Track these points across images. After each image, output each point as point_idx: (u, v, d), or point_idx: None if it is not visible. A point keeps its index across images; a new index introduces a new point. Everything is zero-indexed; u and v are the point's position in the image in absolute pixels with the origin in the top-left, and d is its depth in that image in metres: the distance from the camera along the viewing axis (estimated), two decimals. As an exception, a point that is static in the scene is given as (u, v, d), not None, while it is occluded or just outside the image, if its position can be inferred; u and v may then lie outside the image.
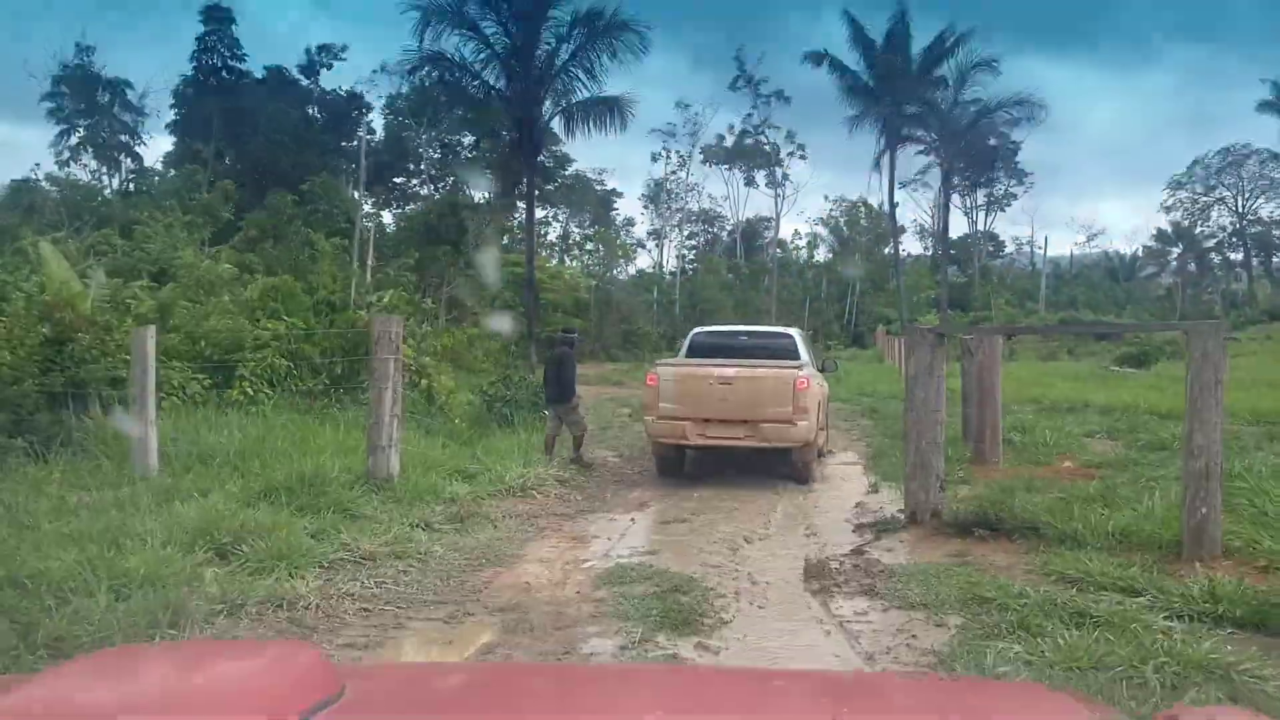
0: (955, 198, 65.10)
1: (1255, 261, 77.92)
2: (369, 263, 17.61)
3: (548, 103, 28.06)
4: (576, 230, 50.98)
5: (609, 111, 27.36)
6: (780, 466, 12.12)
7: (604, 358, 44.27)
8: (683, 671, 3.47)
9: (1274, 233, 76.32)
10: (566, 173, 49.16)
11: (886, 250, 59.97)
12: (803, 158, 51.21)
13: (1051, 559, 6.99)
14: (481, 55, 26.35)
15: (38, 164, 33.71)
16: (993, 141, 51.86)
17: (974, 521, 8.06)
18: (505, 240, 47.11)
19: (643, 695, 1.75)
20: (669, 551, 7.83)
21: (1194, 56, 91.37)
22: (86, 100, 28.63)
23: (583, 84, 26.82)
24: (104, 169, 29.30)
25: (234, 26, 35.88)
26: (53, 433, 10.20)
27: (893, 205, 43.91)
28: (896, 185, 44.39)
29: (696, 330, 14.53)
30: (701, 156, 52.98)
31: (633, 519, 9.36)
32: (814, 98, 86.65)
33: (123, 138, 30.37)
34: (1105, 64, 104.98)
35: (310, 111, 38.74)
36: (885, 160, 40.65)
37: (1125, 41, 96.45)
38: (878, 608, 6.22)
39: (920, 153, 54.35)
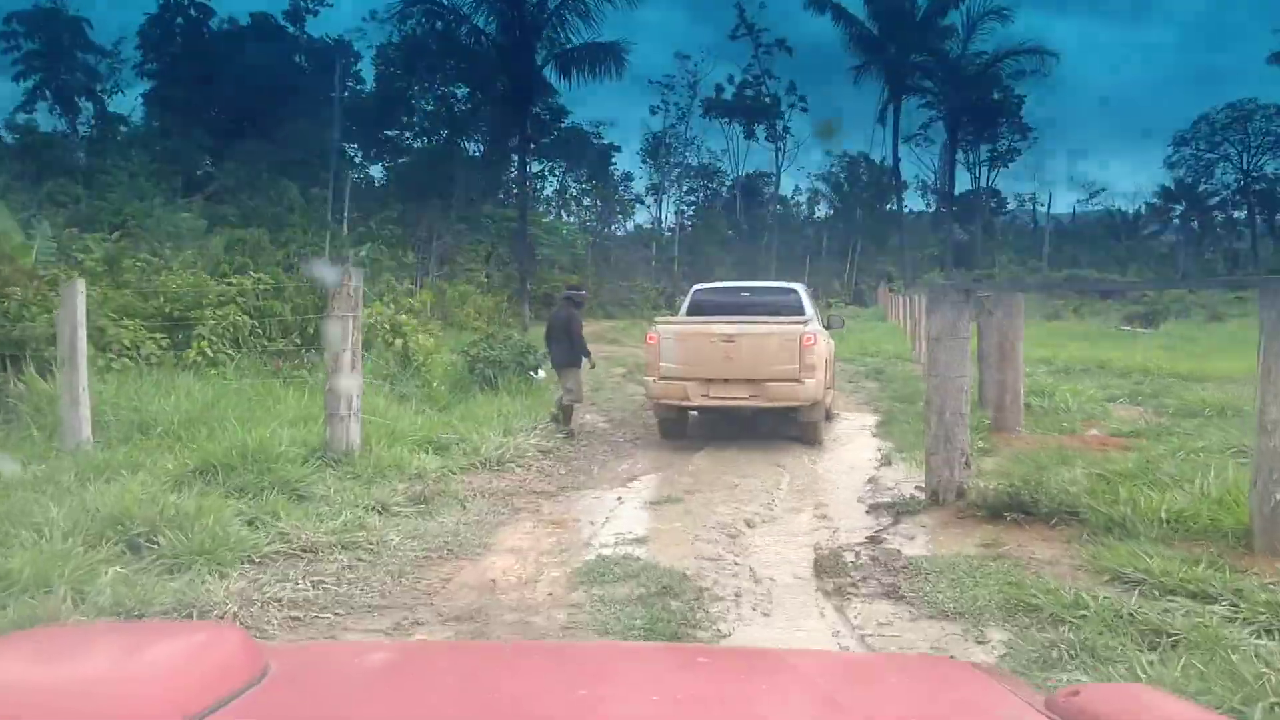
0: (958, 153, 63.79)
1: (1259, 219, 76.55)
2: (347, 215, 16.41)
3: (541, 50, 26.75)
4: (573, 185, 49.55)
5: (604, 57, 26.07)
6: (786, 428, 11.37)
7: (601, 315, 43.13)
8: (618, 649, 3.24)
9: (1278, 189, 74.90)
10: (563, 125, 47.67)
11: (887, 207, 58.70)
12: (804, 110, 49.69)
13: (1101, 552, 5.96)
14: (472, -1, 25.00)
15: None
16: (997, 95, 50.37)
17: (1006, 504, 7.03)
18: (500, 195, 45.86)
19: (575, 671, 1.69)
20: (659, 540, 6.82)
21: (1199, 9, 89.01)
22: (47, 41, 27.04)
23: (577, 29, 25.50)
24: (67, 116, 27.85)
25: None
26: (-17, 398, 9.19)
27: (896, 158, 42.65)
28: (899, 140, 43.15)
29: (697, 287, 13.62)
30: (701, 109, 51.50)
31: (620, 498, 8.33)
32: (816, 54, 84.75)
33: (85, 81, 28.77)
34: (1108, 17, 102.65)
35: (297, 60, 37.24)
36: (889, 113, 39.29)
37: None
38: (904, 616, 5.20)
39: (924, 105, 52.91)
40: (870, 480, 8.95)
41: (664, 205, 54.16)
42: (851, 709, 1.42)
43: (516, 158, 48.03)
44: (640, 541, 6.67)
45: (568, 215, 48.88)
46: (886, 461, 9.89)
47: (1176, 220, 79.15)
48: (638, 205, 53.08)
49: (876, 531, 7.05)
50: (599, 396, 15.12)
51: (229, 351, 11.74)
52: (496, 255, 35.82)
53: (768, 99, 48.05)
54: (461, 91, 44.50)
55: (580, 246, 44.23)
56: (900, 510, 7.53)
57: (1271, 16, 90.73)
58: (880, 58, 37.88)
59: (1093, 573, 5.81)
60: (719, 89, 48.87)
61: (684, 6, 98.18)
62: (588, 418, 12.96)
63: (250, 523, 6.28)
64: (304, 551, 5.96)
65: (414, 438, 9.29)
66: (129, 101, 33.36)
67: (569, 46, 26.10)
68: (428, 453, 9.10)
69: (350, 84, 41.45)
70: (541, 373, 14.55)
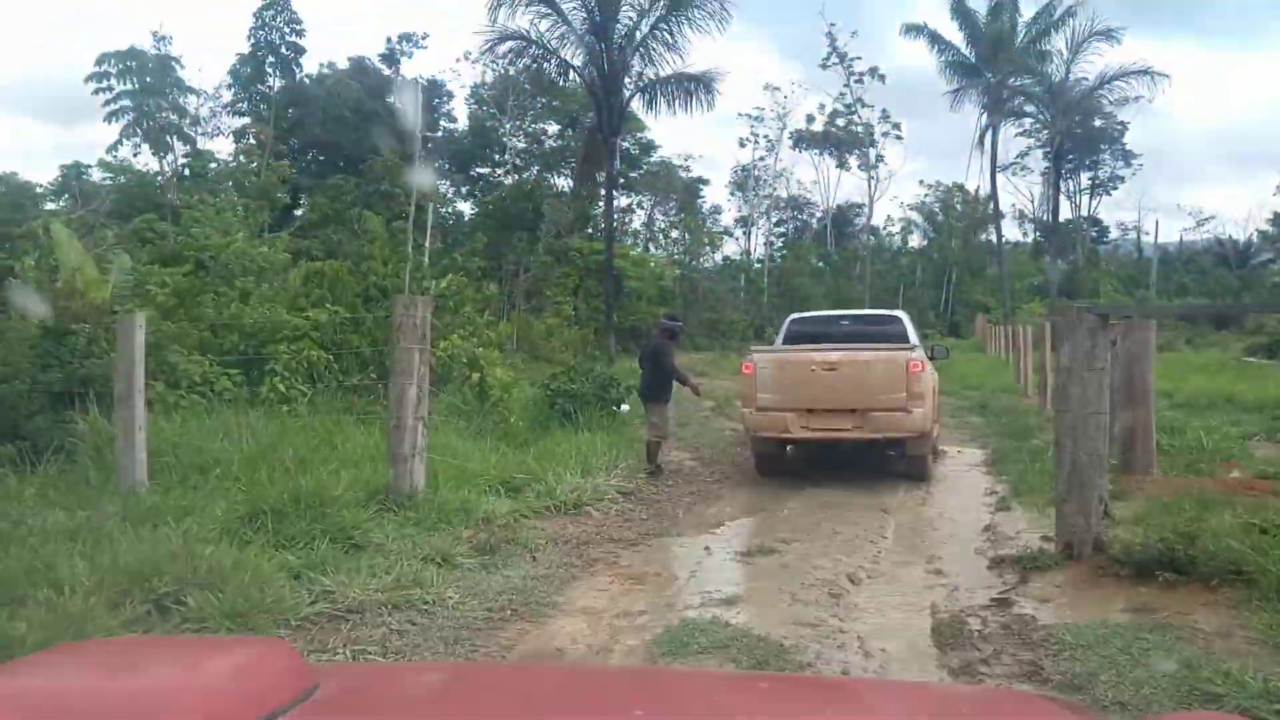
0: (1060, 181, 61.61)
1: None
2: (428, 246, 15.98)
3: (628, 82, 26.26)
4: (661, 217, 49.03)
5: (694, 88, 25.44)
6: (890, 464, 10.59)
7: (690, 346, 42.35)
8: (668, 674, 3.20)
9: (1400, 214, 70.76)
10: (651, 159, 47.27)
11: (982, 236, 56.83)
12: (898, 138, 48.40)
13: (1281, 622, 4.94)
14: (559, 32, 24.64)
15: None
16: (1099, 122, 48.43)
17: (1156, 560, 5.99)
18: (589, 229, 45.57)
19: (627, 696, 1.62)
20: (752, 599, 5.96)
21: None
22: (139, 80, 27.48)
23: (664, 59, 24.93)
24: (157, 154, 28.29)
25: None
26: (49, 438, 8.79)
27: (994, 184, 41.00)
28: (997, 168, 41.57)
29: (793, 316, 12.96)
30: (791, 141, 50.58)
31: (708, 547, 7.48)
32: (909, 84, 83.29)
33: (177, 121, 29.19)
34: (1212, 43, 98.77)
35: (389, 100, 37.55)
36: (987, 140, 37.89)
37: (1233, 20, 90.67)
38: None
39: (1021, 134, 51.14)
40: (987, 528, 7.94)
41: (753, 237, 53.36)
42: None
43: (604, 191, 48.06)
44: (730, 602, 5.80)
45: (655, 248, 48.27)
46: (1003, 505, 8.84)
47: (1290, 246, 75.36)
48: (726, 237, 52.30)
49: (1003, 592, 6.08)
50: (686, 432, 14.31)
51: (302, 388, 11.26)
52: (584, 288, 35.33)
53: (860, 128, 46.90)
54: (552, 128, 44.61)
55: (668, 278, 43.59)
56: (1028, 565, 6.52)
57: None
58: (977, 82, 36.55)
59: (1273, 648, 4.79)
60: (809, 119, 47.92)
61: (774, 42, 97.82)
62: (674, 455, 12.16)
63: (296, 577, 5.62)
64: (350, 613, 5.26)
65: (485, 478, 8.60)
66: (223, 141, 33.92)
67: (657, 79, 25.43)
68: (499, 494, 8.41)
69: (443, 122, 41.77)
70: (626, 406, 13.90)
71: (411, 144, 34.55)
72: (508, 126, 44.56)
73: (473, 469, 8.67)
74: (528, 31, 24.64)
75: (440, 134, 41.43)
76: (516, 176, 45.13)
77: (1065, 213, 63.48)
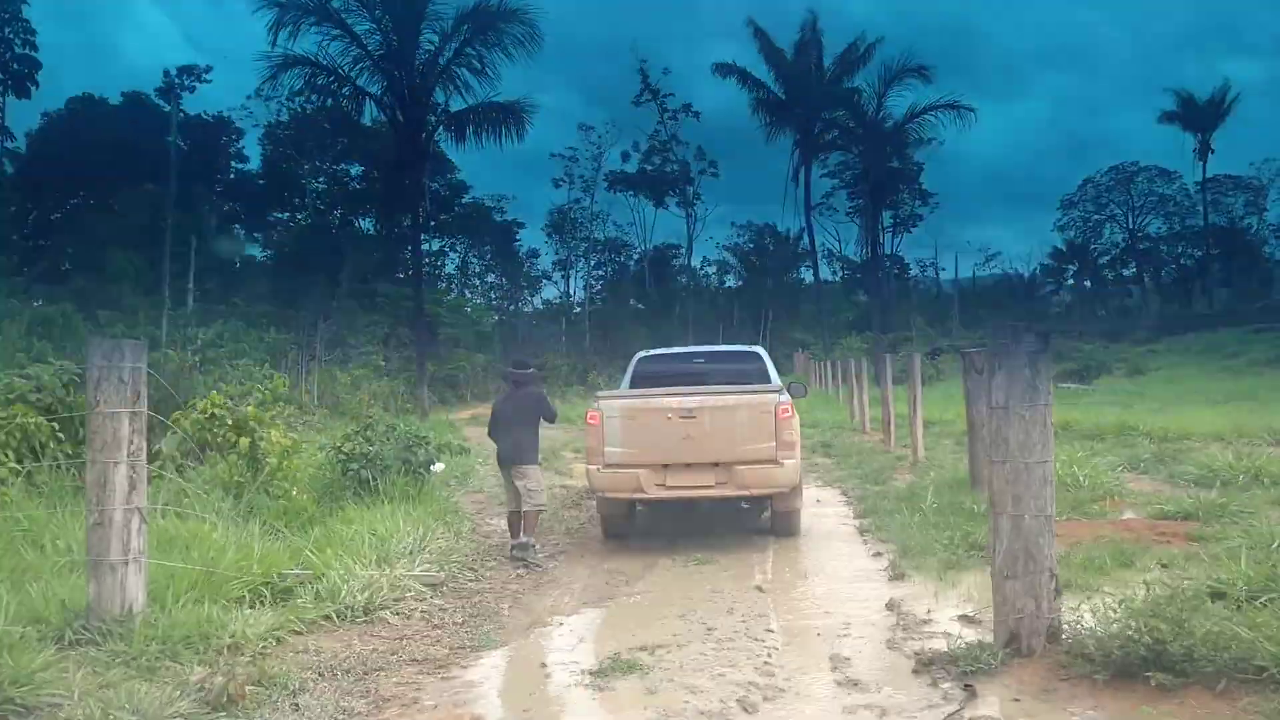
0: (861, 220, 63.19)
1: (1146, 277, 77.81)
2: (191, 289, 13.46)
3: (434, 116, 24.20)
4: (476, 261, 46.85)
5: (503, 119, 23.60)
6: (748, 519, 9.54)
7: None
8: None
9: (1161, 248, 76.33)
10: (463, 201, 45.17)
11: (797, 276, 57.34)
12: (714, 175, 48.02)
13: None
14: (352, 55, 22.35)
15: None
16: (897, 163, 49.58)
17: (1142, 656, 4.46)
18: (399, 274, 42.92)
19: None
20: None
21: (1063, 84, 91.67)
22: None
23: (471, 87, 23.02)
24: None
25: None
26: None
27: (809, 225, 40.93)
28: (809, 206, 41.54)
29: (641, 355, 11.23)
30: (606, 183, 49.49)
31: (545, 664, 5.52)
32: (724, 126, 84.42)
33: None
34: (983, 91, 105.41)
35: (169, 138, 34.07)
36: (801, 177, 37.71)
37: (998, 72, 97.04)
38: None
39: (827, 174, 51.84)
40: (890, 607, 6.31)
41: (572, 280, 51.87)
42: None
43: (410, 230, 45.57)
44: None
45: (471, 293, 46.06)
46: (896, 572, 7.26)
47: (1070, 280, 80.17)
48: (545, 281, 50.63)
49: (949, 717, 4.40)
50: (506, 493, 12.29)
51: (14, 465, 8.65)
52: (396, 337, 32.80)
53: (675, 164, 46.23)
54: (356, 169, 41.93)
55: (486, 324, 41.48)
56: (966, 668, 4.87)
57: (1125, 93, 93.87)
58: (789, 120, 36.33)
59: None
60: (624, 156, 46.91)
61: (584, 87, 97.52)
62: (495, 523, 10.17)
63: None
64: None
65: (243, 580, 6.37)
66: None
67: (464, 108, 23.51)
68: (261, 603, 6.21)
69: (234, 163, 38.47)
70: (439, 465, 11.83)
71: (192, 185, 31.40)
72: (306, 168, 41.65)
73: (225, 570, 6.41)
74: (316, 56, 22.21)
75: (231, 175, 38.12)
76: (319, 220, 42.20)
77: (870, 250, 65.23)
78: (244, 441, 9.24)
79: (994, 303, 70.89)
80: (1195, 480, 10.54)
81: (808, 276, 56.98)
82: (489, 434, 9.36)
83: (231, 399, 10.09)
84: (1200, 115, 55.97)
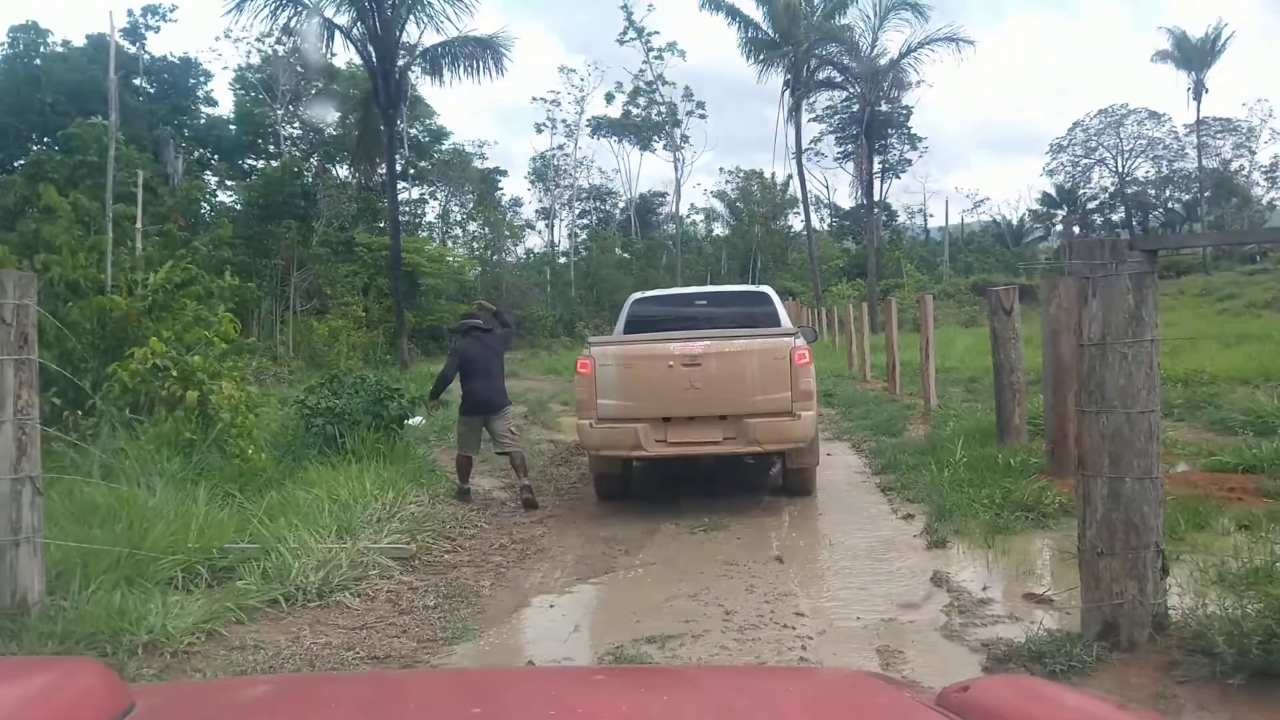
0: (851, 165, 61.92)
1: (1135, 222, 76.92)
2: (139, 228, 12.28)
3: (407, 50, 22.80)
4: (458, 209, 45.37)
5: (481, 53, 22.25)
6: (758, 476, 8.76)
7: (494, 346, 39.15)
8: (505, 674, 2.95)
9: (1149, 192, 75.34)
10: (443, 147, 43.63)
11: (785, 223, 56.09)
12: (702, 116, 46.49)
13: None
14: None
15: None
16: (885, 106, 48.19)
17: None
18: (382, 223, 41.51)
19: (466, 697, 1.48)
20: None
21: (1048, 27, 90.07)
22: None
23: (448, 20, 21.64)
24: None
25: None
26: None
27: (800, 163, 39.65)
28: (798, 151, 40.23)
29: (636, 297, 10.00)
30: (590, 128, 47.97)
31: (532, 662, 4.54)
32: (710, 76, 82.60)
33: None
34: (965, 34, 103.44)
35: (137, 82, 32.47)
36: (795, 120, 36.43)
37: (979, 13, 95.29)
38: None
39: (819, 117, 50.46)
40: (939, 583, 5.34)
41: (556, 229, 50.51)
42: (747, 717, 1.33)
43: (386, 174, 44.01)
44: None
45: (453, 243, 44.69)
46: (934, 539, 6.30)
47: (1059, 225, 79.20)
48: (529, 230, 49.22)
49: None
50: (488, 451, 11.30)
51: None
52: (375, 287, 31.55)
53: (661, 105, 44.73)
54: (332, 115, 40.35)
55: (468, 274, 40.20)
56: (1053, 665, 3.92)
57: (1110, 33, 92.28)
58: (780, 59, 34.94)
59: None
60: (609, 97, 45.30)
61: (563, 33, 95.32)
62: (480, 483, 9.18)
63: None
64: None
65: (174, 559, 5.36)
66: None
67: (439, 42, 22.14)
68: (194, 586, 5.21)
69: (202, 107, 36.81)
70: (417, 419, 10.80)
71: (155, 127, 29.91)
72: (280, 113, 40.02)
73: (154, 546, 5.39)
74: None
75: (201, 120, 36.48)
76: (296, 168, 40.69)
77: (860, 197, 64.02)
78: (191, 395, 8.17)
79: (981, 248, 70.03)
80: (1240, 427, 9.64)
81: (796, 224, 55.87)
82: (442, 383, 8.92)
83: (187, 348, 9.01)
84: (1194, 54, 54.57)
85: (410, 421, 10.82)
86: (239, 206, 23.26)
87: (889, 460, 9.12)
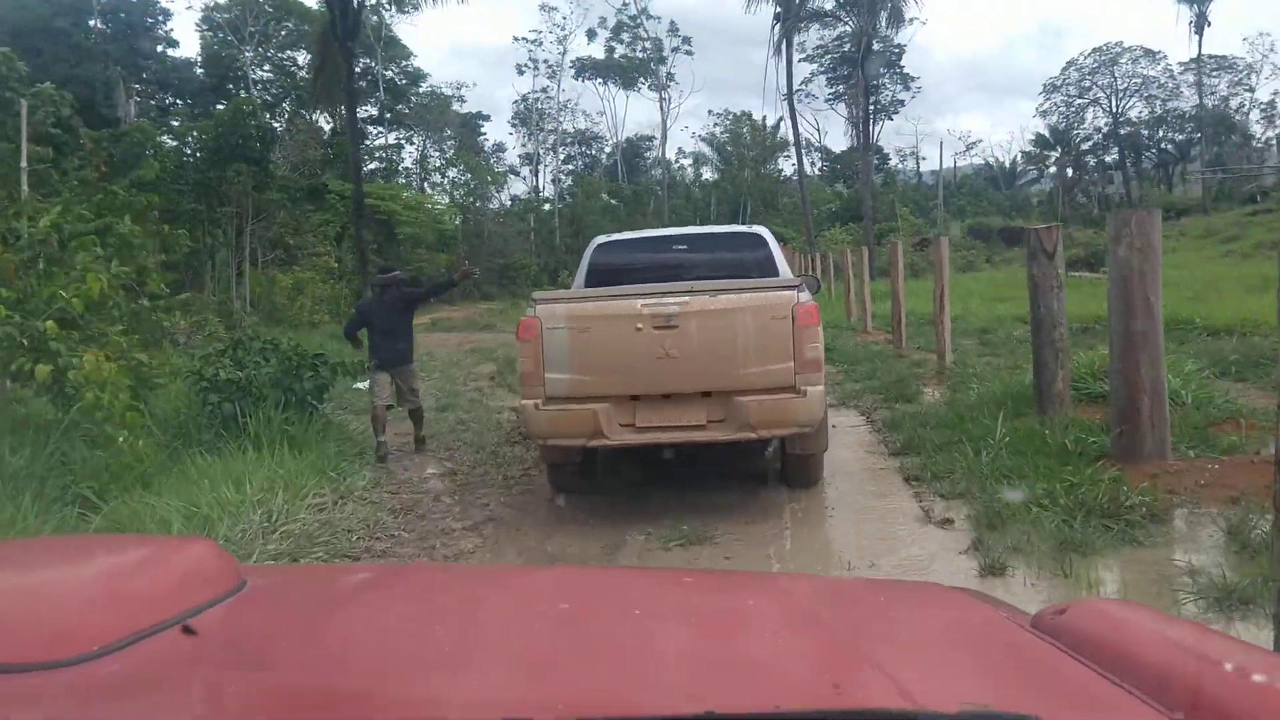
0: (842, 107, 59.78)
1: (1128, 163, 74.95)
2: (25, 164, 10.41)
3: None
4: (437, 155, 43.25)
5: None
6: (753, 461, 6.90)
7: (476, 297, 37.35)
8: (597, 572, 2.88)
9: (1143, 133, 73.29)
10: (420, 90, 41.44)
11: (773, 166, 54.07)
12: (688, 53, 44.18)
13: None
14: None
15: None
16: (877, 45, 45.96)
17: None
18: (369, 167, 39.48)
19: (558, 591, 1.50)
20: None
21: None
22: None
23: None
24: None
25: None
26: None
27: (791, 101, 37.59)
28: (784, 98, 38.13)
29: (599, 241, 8.10)
30: (573, 70, 45.68)
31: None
32: (696, 10, 79.79)
33: None
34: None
35: (92, 23, 30.23)
36: (783, 54, 34.30)
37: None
38: None
39: (810, 56, 48.27)
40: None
41: (541, 175, 48.40)
42: (843, 628, 1.31)
43: (378, 130, 41.97)
44: None
45: (433, 189, 42.66)
46: (988, 560, 4.61)
47: (1052, 167, 77.18)
48: (513, 176, 47.11)
49: None
50: (444, 421, 9.64)
51: None
52: (350, 236, 29.69)
53: (646, 41, 42.42)
54: (303, 57, 38.21)
55: (448, 222, 38.30)
56: None
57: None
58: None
59: None
60: (591, 34, 42.93)
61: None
62: (421, 465, 7.53)
63: None
64: None
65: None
66: None
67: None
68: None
69: (162, 48, 34.57)
70: (362, 384, 9.64)
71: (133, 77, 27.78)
72: (249, 55, 37.84)
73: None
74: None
75: (165, 63, 34.26)
76: (267, 115, 38.55)
77: (850, 141, 61.94)
78: (42, 370, 6.44)
79: (974, 192, 68.27)
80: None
81: (787, 168, 53.88)
82: (350, 330, 8.90)
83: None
84: (1198, -15, 52.31)
85: (356, 385, 9.59)
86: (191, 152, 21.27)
87: (909, 436, 7.42)
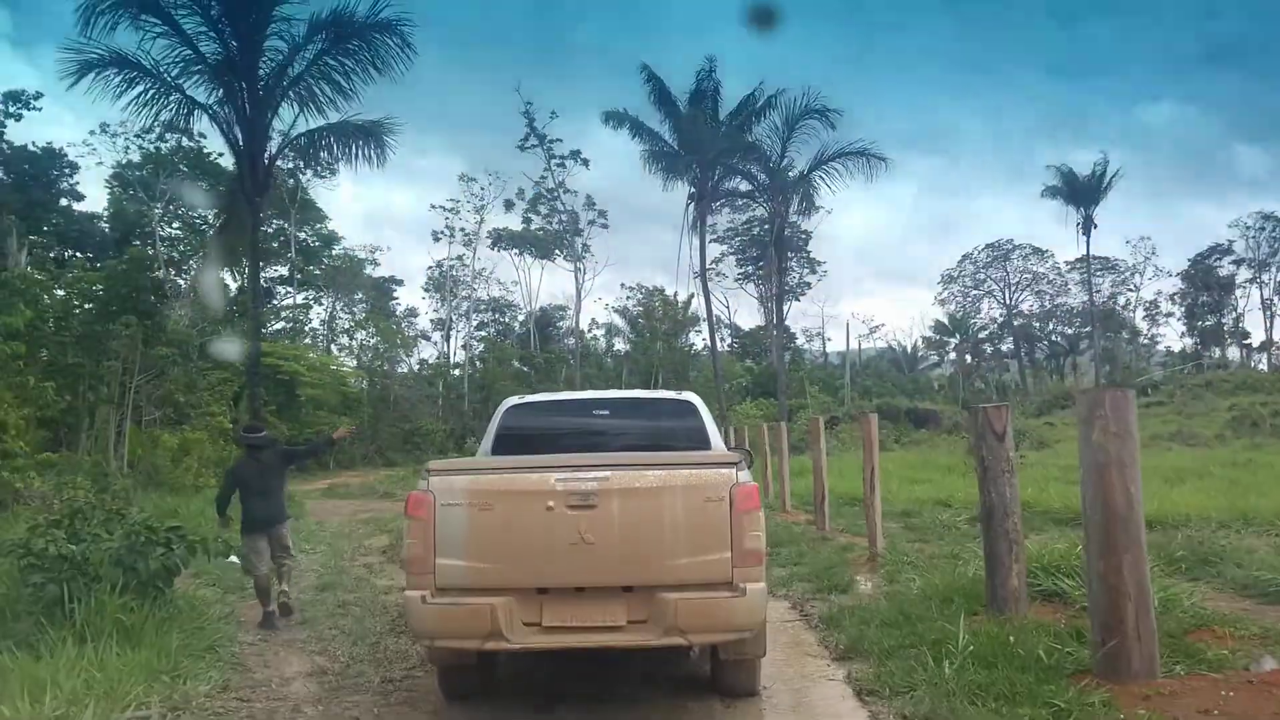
0: (751, 287, 61.13)
1: (1023, 352, 77.81)
2: None
3: (279, 134, 20.21)
4: (347, 317, 42.25)
5: (360, 141, 19.82)
6: (675, 663, 5.96)
7: (379, 461, 35.75)
8: None
9: (1034, 324, 76.46)
10: (333, 252, 40.83)
11: (684, 340, 54.36)
12: (604, 226, 44.57)
13: None
14: (181, 58, 18.29)
15: None
16: (795, 218, 47.40)
17: None
18: (275, 327, 38.24)
19: None
20: None
21: (930, 167, 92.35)
22: None
23: (328, 101, 19.17)
24: None
25: None
26: None
27: (704, 278, 37.92)
28: (696, 274, 38.58)
29: (511, 403, 7.26)
30: (490, 240, 45.70)
31: None
32: (611, 187, 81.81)
33: None
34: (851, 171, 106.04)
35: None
36: (696, 231, 34.81)
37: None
38: None
39: (720, 238, 49.39)
40: None
41: (453, 340, 47.60)
42: None
43: (287, 290, 41.01)
44: None
45: (339, 350, 41.47)
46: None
47: (952, 353, 79.67)
48: (423, 341, 46.20)
49: None
50: (320, 606, 8.40)
51: None
52: (249, 396, 28.22)
53: (563, 213, 42.72)
54: (215, 215, 37.42)
55: (353, 385, 37.03)
56: None
57: (984, 176, 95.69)
58: (684, 172, 33.42)
59: None
60: (508, 204, 43.08)
61: (463, 149, 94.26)
62: (283, 659, 6.32)
63: None
64: None
65: None
66: None
67: (314, 127, 19.60)
68: None
69: (67, 201, 33.43)
70: (232, 558, 8.77)
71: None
72: (159, 212, 36.89)
73: None
74: (137, 59, 18.05)
75: (73, 216, 33.04)
76: (172, 270, 37.35)
77: (759, 319, 63.04)
78: None
79: (878, 373, 69.70)
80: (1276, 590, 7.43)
81: (698, 343, 54.22)
82: (223, 502, 8.40)
83: None
84: (1082, 191, 55.66)
85: (229, 559, 8.59)
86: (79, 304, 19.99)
87: (853, 636, 6.51)
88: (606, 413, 7.05)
